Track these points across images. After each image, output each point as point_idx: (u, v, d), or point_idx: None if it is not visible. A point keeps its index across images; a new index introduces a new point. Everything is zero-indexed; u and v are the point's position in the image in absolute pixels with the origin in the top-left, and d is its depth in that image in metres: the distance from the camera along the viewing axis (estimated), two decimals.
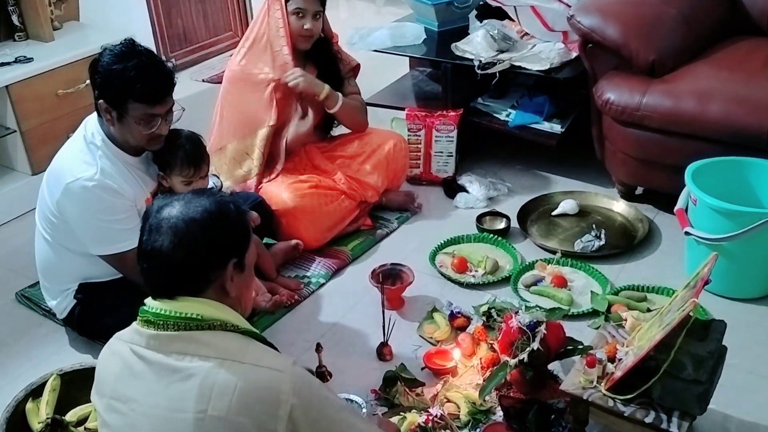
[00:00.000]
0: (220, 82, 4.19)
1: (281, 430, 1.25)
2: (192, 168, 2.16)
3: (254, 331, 1.37)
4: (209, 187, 2.28)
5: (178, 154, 2.14)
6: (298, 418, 1.26)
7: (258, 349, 1.33)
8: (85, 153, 2.07)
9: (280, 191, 2.66)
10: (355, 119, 2.90)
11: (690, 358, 1.67)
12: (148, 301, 1.33)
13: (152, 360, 1.28)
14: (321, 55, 2.80)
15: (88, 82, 2.06)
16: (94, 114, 2.11)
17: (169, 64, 2.11)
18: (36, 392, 1.93)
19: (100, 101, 2.02)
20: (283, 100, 2.72)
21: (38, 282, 2.37)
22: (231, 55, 4.59)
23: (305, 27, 2.64)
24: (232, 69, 2.79)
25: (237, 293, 1.37)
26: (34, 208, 2.27)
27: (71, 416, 1.90)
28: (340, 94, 2.78)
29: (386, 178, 2.88)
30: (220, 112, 2.80)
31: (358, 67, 2.92)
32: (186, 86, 4.09)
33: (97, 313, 2.18)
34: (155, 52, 2.13)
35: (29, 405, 1.90)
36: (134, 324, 1.33)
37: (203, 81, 4.33)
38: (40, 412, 1.88)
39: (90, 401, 1.88)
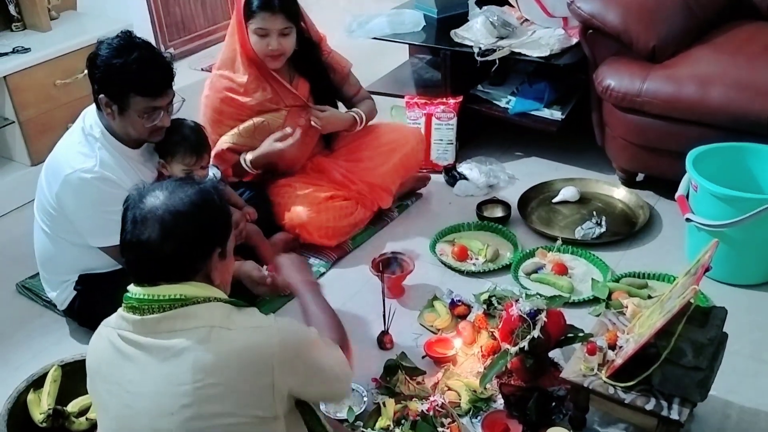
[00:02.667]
0: None
1: (279, 382, 1.31)
2: (194, 156, 2.17)
3: (237, 301, 1.39)
4: (209, 177, 2.27)
5: (182, 143, 2.15)
6: (292, 363, 1.33)
7: (240, 313, 1.37)
8: (84, 145, 2.07)
9: (293, 202, 2.58)
10: (371, 118, 2.81)
11: (690, 344, 1.67)
12: (131, 287, 1.34)
13: (142, 343, 1.30)
14: (310, 65, 2.63)
15: (86, 72, 2.05)
16: (93, 106, 2.10)
17: (168, 55, 2.10)
18: (37, 383, 1.93)
19: (101, 96, 2.00)
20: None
21: (38, 273, 2.37)
22: None
23: (270, 47, 2.44)
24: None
25: (220, 280, 1.40)
26: (34, 199, 2.27)
27: (72, 407, 1.91)
28: (362, 113, 2.72)
29: (401, 177, 2.82)
30: None
31: (349, 68, 2.77)
32: (185, 75, 4.06)
33: (97, 304, 2.16)
34: (153, 41, 2.13)
35: (30, 396, 1.90)
36: (120, 310, 1.35)
37: (202, 70, 4.31)
38: (41, 403, 1.88)
39: None
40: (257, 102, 2.56)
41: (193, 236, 1.33)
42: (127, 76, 1.95)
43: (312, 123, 2.61)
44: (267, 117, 2.57)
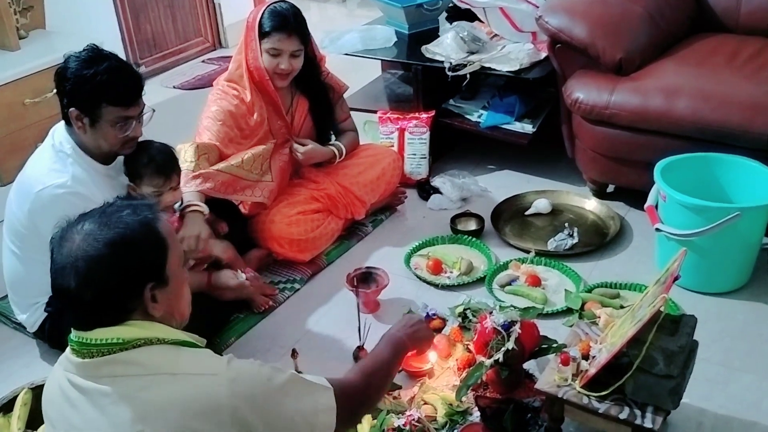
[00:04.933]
0: (192, 89, 4.22)
1: None
2: (162, 178, 2.15)
3: (184, 339, 1.31)
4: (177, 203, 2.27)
5: (150, 165, 2.13)
6: (245, 416, 1.24)
7: (188, 356, 1.28)
8: (55, 161, 2.05)
9: (265, 218, 2.59)
10: (351, 150, 2.87)
11: (662, 353, 1.68)
12: (73, 330, 1.29)
13: (85, 387, 1.25)
14: (311, 85, 2.73)
15: (55, 90, 2.03)
16: (61, 123, 2.09)
17: (140, 69, 2.10)
18: (7, 407, 1.90)
19: (71, 109, 1.99)
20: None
21: (7, 295, 2.33)
22: (203, 61, 4.64)
23: (280, 66, 2.53)
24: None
25: (166, 309, 1.30)
26: (2, 220, 2.24)
27: (43, 430, 1.88)
28: (342, 146, 2.79)
29: (378, 194, 2.85)
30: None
31: (345, 90, 2.89)
32: (157, 93, 4.05)
33: (68, 326, 2.15)
34: (124, 58, 2.12)
35: (0, 420, 1.88)
36: (67, 350, 1.29)
37: (174, 87, 4.30)
38: (11, 427, 1.85)
39: None
40: (259, 120, 2.60)
41: (112, 281, 1.22)
42: (98, 86, 1.95)
43: (294, 155, 2.69)
44: (254, 151, 2.57)
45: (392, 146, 3.08)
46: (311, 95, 2.75)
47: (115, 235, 1.23)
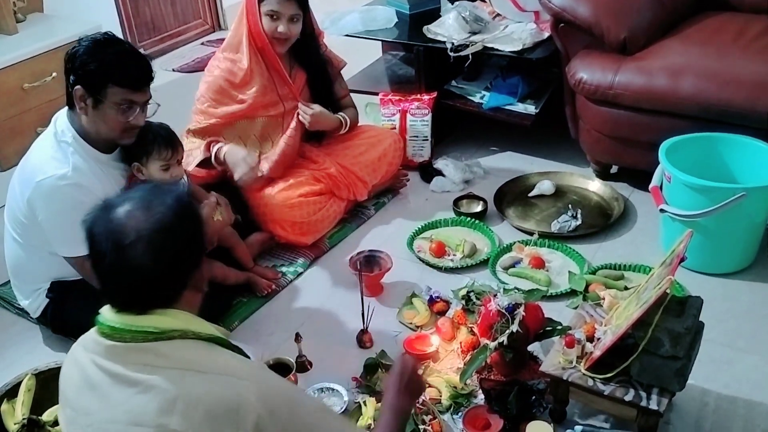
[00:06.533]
0: (191, 72, 4.19)
1: None
2: (170, 150, 2.16)
3: (218, 336, 1.31)
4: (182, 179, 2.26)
5: (155, 139, 2.14)
6: (266, 427, 1.22)
7: (221, 356, 1.28)
8: (56, 150, 2.03)
9: (267, 201, 2.59)
10: (353, 126, 2.86)
11: (667, 334, 1.68)
12: (104, 312, 1.27)
13: (111, 370, 1.24)
14: (309, 57, 2.70)
15: (54, 74, 2.02)
16: (63, 110, 2.07)
17: (148, 56, 2.09)
18: (11, 393, 1.90)
19: (77, 87, 1.96)
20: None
21: (9, 281, 2.33)
22: (202, 43, 4.60)
23: (279, 30, 2.52)
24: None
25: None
26: (3, 206, 2.23)
27: (48, 416, 1.87)
28: (348, 118, 2.78)
29: (380, 175, 2.84)
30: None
31: (344, 66, 2.87)
32: (156, 76, 4.00)
33: (70, 311, 2.15)
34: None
35: (4, 406, 1.87)
36: (93, 332, 1.28)
37: (173, 70, 4.27)
38: (15, 413, 1.85)
39: None
40: (254, 92, 2.60)
41: (186, 248, 1.25)
42: (107, 65, 1.94)
43: (300, 118, 2.67)
44: (238, 125, 2.61)
45: (394, 128, 3.05)
46: (310, 68, 2.73)
47: (178, 204, 1.26)
